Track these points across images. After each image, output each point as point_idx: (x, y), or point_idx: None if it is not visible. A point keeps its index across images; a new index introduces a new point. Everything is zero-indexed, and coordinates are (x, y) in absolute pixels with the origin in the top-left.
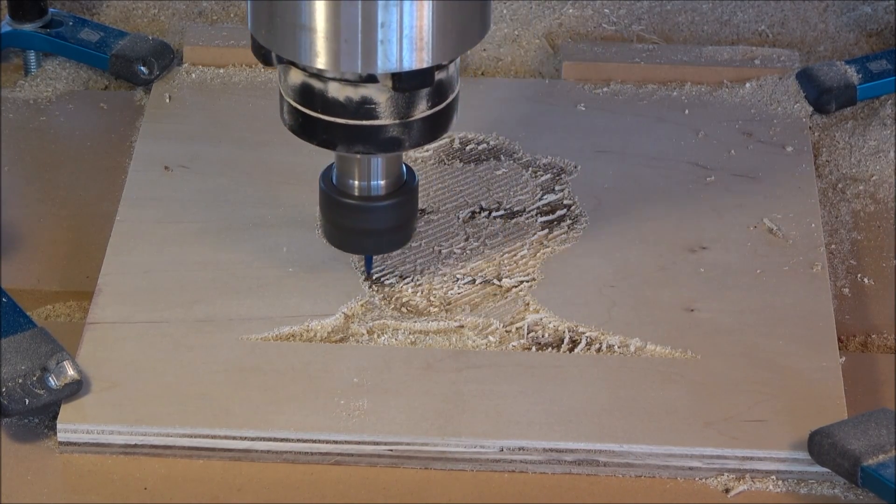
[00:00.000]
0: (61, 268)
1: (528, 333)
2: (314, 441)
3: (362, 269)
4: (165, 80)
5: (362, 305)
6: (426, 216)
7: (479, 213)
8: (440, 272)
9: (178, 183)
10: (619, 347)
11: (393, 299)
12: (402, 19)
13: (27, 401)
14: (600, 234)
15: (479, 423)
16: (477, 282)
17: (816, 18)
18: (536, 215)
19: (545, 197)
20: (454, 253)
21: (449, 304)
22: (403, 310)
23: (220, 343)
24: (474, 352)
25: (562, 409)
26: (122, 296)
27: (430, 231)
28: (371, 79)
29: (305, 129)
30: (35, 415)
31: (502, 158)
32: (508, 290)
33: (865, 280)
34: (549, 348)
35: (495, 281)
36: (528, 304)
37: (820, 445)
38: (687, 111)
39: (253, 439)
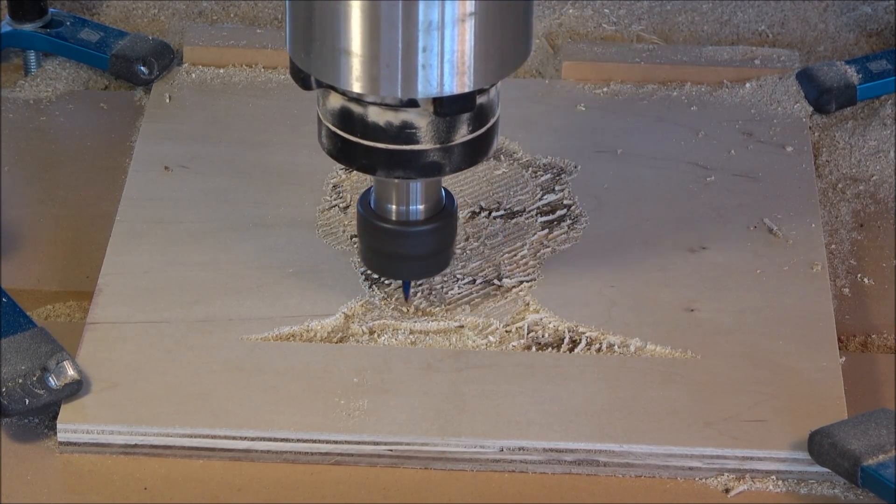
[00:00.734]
0: (61, 268)
1: (528, 333)
2: (314, 441)
3: (362, 268)
4: (165, 80)
5: (362, 305)
6: None
7: (479, 213)
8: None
9: (178, 183)
10: (619, 347)
11: (393, 299)
12: (443, 43)
13: (27, 401)
14: (600, 234)
15: (479, 423)
16: (477, 282)
17: (816, 18)
18: (536, 215)
19: (545, 197)
20: (454, 253)
21: (449, 304)
22: (403, 310)
23: (220, 343)
24: (474, 352)
25: (562, 409)
26: (122, 296)
27: None
28: (412, 103)
29: (345, 153)
30: (35, 415)
31: (502, 158)
32: (508, 290)
33: (865, 280)
34: (549, 348)
35: (495, 281)
36: (528, 304)
37: (820, 445)
38: (687, 111)
39: (253, 439)
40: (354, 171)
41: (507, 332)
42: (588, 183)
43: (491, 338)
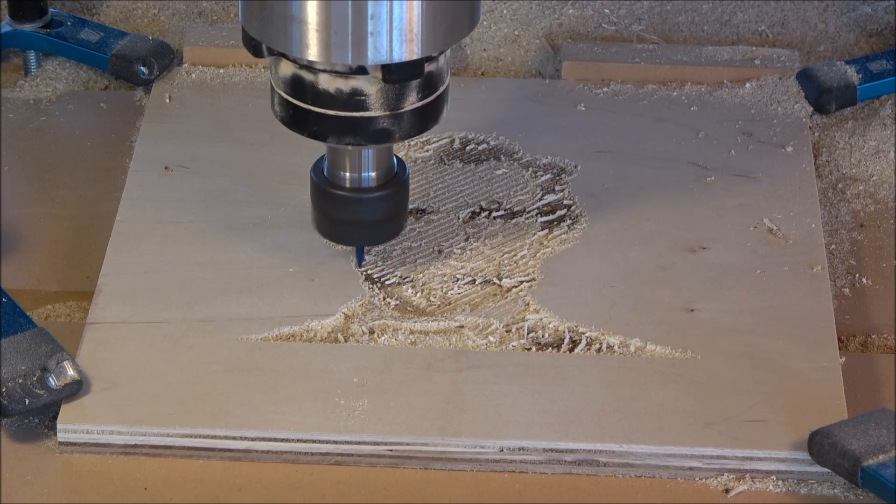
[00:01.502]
0: (61, 268)
1: (528, 333)
2: (314, 441)
3: (363, 269)
4: (165, 80)
5: (362, 305)
6: (426, 216)
7: (479, 213)
8: (440, 272)
9: (178, 183)
10: (619, 347)
11: (393, 299)
12: (392, 11)
13: (27, 401)
14: (600, 234)
15: (479, 423)
16: (477, 282)
17: (816, 18)
18: (536, 215)
19: (545, 197)
20: (454, 253)
21: (449, 304)
22: (404, 310)
23: (220, 343)
24: (474, 352)
25: (562, 409)
26: (122, 296)
27: (430, 231)
28: (361, 70)
29: (296, 120)
30: (35, 415)
31: (502, 158)
32: (508, 290)
33: (865, 280)
34: (549, 348)
35: (495, 281)
36: (528, 304)
37: (820, 445)
38: (687, 111)
39: (253, 439)
40: None
41: (507, 332)
42: (588, 183)
43: (491, 338)
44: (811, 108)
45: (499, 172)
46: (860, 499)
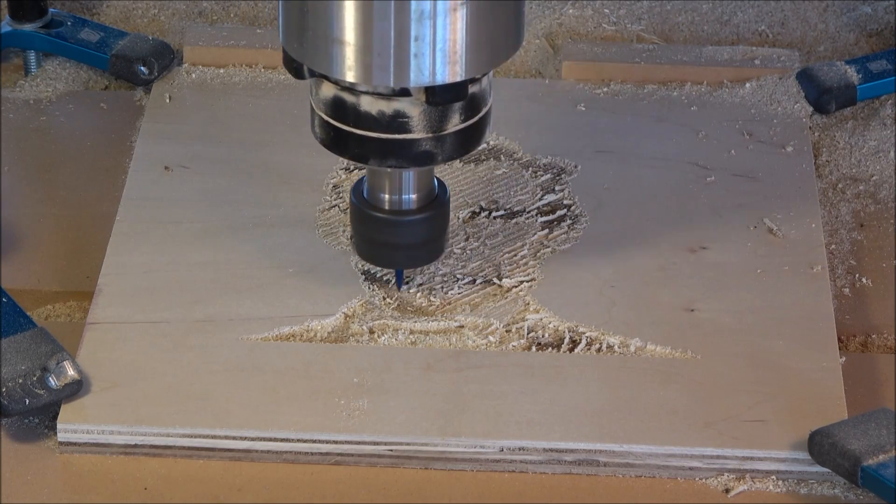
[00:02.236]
0: (61, 268)
1: (528, 333)
2: (314, 441)
3: (362, 268)
4: (165, 80)
5: (362, 305)
6: None
7: (479, 213)
8: (440, 272)
9: (178, 183)
10: (619, 347)
11: (393, 299)
12: (435, 32)
13: (27, 401)
14: (600, 234)
15: (479, 423)
16: (477, 282)
17: (816, 18)
18: (536, 215)
19: (545, 197)
20: (454, 253)
21: (449, 304)
22: (404, 310)
23: (220, 343)
24: (474, 352)
25: (562, 409)
26: (122, 296)
27: None
28: (404, 92)
29: (337, 142)
30: (35, 415)
31: (502, 158)
32: (508, 290)
33: (865, 280)
34: (549, 348)
35: (495, 281)
36: (528, 304)
37: (820, 445)
38: (687, 111)
39: (253, 439)
40: (355, 171)
41: (507, 332)
42: (588, 183)
43: (491, 338)
44: (811, 108)
45: (499, 172)
46: (860, 499)
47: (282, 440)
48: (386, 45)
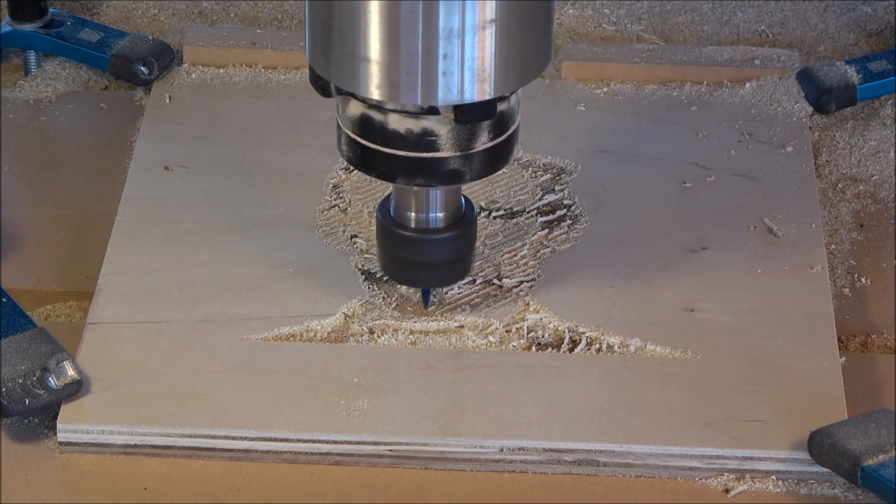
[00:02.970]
0: (61, 268)
1: (528, 333)
2: (314, 441)
3: (362, 268)
4: (165, 80)
5: (362, 305)
6: None
7: (479, 213)
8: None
9: (178, 183)
10: (619, 347)
11: (393, 299)
12: (463, 50)
13: (27, 401)
14: (600, 234)
15: (479, 423)
16: (477, 282)
17: (816, 18)
18: (536, 215)
19: (545, 197)
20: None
21: (449, 304)
22: (404, 310)
23: (220, 343)
24: (474, 352)
25: (562, 409)
26: (122, 296)
27: None
28: (432, 110)
29: (364, 161)
30: (35, 415)
31: None
32: (508, 290)
33: (865, 280)
34: (549, 348)
35: (495, 281)
36: (528, 304)
37: (820, 445)
38: (687, 111)
39: (253, 439)
40: (354, 172)
41: (507, 332)
42: (588, 183)
43: (491, 338)
44: (811, 108)
45: (499, 172)
46: (860, 499)
47: (282, 440)
48: (414, 63)
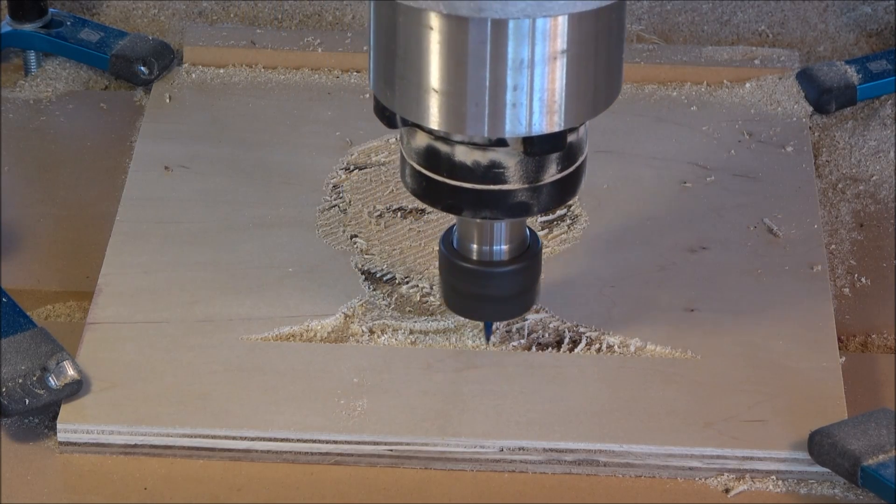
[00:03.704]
0: (61, 268)
1: (528, 333)
2: (314, 441)
3: (362, 268)
4: (165, 80)
5: (362, 305)
6: (426, 216)
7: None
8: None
9: (178, 183)
10: (619, 347)
11: (393, 299)
12: (533, 82)
13: (27, 401)
14: (600, 234)
15: (479, 423)
16: None
17: (816, 18)
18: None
19: None
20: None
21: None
22: (404, 309)
23: (220, 343)
24: (474, 352)
25: (562, 409)
26: (122, 296)
27: (429, 231)
28: (500, 142)
29: (430, 193)
30: (35, 415)
31: None
32: None
33: (865, 280)
34: (549, 348)
35: None
36: None
37: (820, 445)
38: (687, 111)
39: (253, 439)
40: (354, 171)
41: (507, 332)
42: (588, 183)
43: (491, 338)
44: (811, 108)
45: None
46: (860, 499)
47: (282, 440)
48: (482, 94)
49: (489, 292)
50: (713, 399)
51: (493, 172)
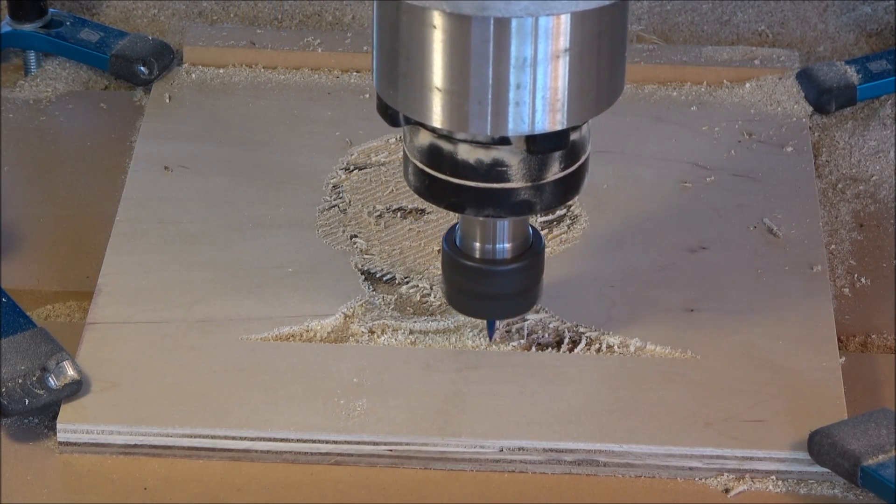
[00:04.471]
0: (61, 268)
1: (528, 333)
2: (314, 441)
3: (362, 268)
4: (165, 80)
5: (362, 305)
6: (426, 216)
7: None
8: (440, 272)
9: (178, 183)
10: (619, 347)
11: (393, 299)
12: (536, 80)
13: (27, 401)
14: (600, 234)
15: (479, 423)
16: None
17: (816, 18)
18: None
19: None
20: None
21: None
22: (404, 309)
23: (220, 343)
24: (474, 352)
25: (562, 409)
26: (122, 296)
27: (429, 231)
28: (503, 141)
29: (433, 191)
30: (35, 415)
31: None
32: None
33: (865, 280)
34: (549, 348)
35: None
36: None
37: (820, 445)
38: (687, 111)
39: (253, 439)
40: (354, 171)
41: (507, 332)
42: (588, 183)
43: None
44: (811, 108)
45: None
46: (860, 499)
47: (282, 440)
48: (485, 93)
49: (492, 290)
50: (713, 399)
51: (496, 171)
